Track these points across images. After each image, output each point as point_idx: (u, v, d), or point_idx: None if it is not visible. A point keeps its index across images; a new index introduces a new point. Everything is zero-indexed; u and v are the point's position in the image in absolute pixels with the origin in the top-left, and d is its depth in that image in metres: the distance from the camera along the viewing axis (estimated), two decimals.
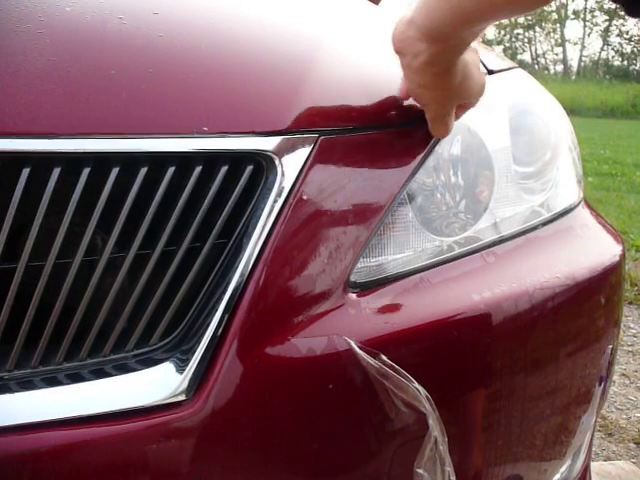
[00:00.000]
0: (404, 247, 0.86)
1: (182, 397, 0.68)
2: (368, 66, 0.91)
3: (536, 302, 0.91)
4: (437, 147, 0.90)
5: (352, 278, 0.78)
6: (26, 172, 0.65)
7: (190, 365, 0.69)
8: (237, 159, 0.73)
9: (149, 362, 0.70)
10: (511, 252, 0.96)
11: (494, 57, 1.19)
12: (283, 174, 0.74)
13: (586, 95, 18.10)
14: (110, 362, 0.70)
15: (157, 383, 0.68)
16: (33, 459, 0.63)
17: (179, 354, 0.70)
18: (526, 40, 37.98)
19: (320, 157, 0.77)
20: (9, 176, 0.64)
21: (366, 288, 0.80)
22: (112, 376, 0.68)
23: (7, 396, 0.65)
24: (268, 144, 0.74)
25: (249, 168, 0.73)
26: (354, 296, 0.78)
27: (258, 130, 0.74)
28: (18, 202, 0.64)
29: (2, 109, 0.65)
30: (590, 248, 1.07)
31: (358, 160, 0.81)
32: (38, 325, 0.67)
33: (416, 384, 0.74)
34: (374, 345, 0.75)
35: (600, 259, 1.05)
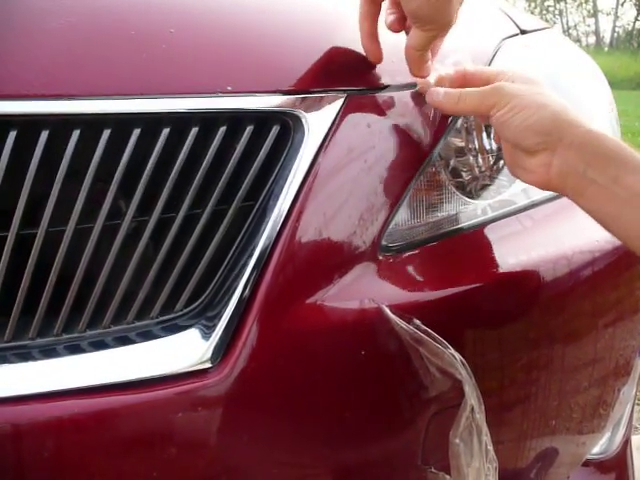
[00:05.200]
0: (437, 210, 0.83)
1: (208, 364, 0.66)
2: None
3: (575, 267, 0.88)
4: None
5: (384, 241, 0.76)
6: (45, 135, 0.63)
7: (216, 331, 0.67)
8: (263, 119, 0.71)
9: (174, 329, 0.68)
10: (549, 215, 0.93)
11: (527, 17, 1.16)
12: (310, 134, 0.72)
13: (619, 67, 17.80)
14: (134, 329, 0.68)
15: (182, 350, 0.67)
16: (56, 427, 0.62)
17: (205, 320, 0.68)
18: (557, 12, 37.50)
19: (349, 116, 0.75)
20: (28, 139, 0.63)
21: (398, 252, 0.78)
22: (136, 343, 0.67)
23: (30, 364, 0.64)
24: (295, 103, 0.72)
25: (275, 128, 0.71)
26: (386, 260, 0.76)
27: (284, 89, 0.72)
28: (37, 165, 0.62)
29: (20, 71, 0.64)
30: None
31: (388, 120, 0.79)
32: (60, 293, 0.66)
33: (452, 350, 0.72)
34: (408, 310, 0.73)
35: None
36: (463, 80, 0.80)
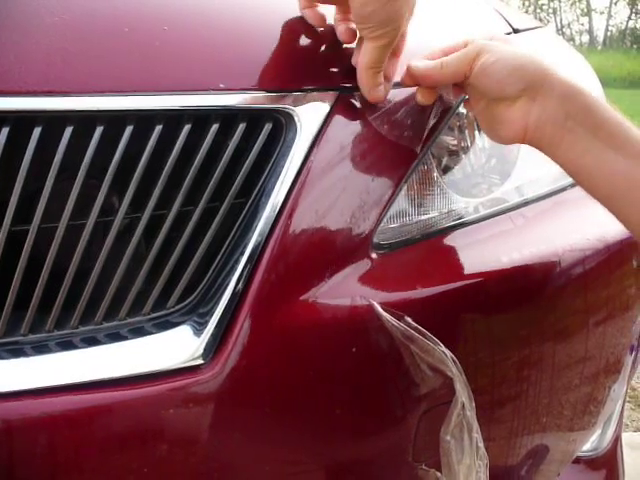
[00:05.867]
0: (429, 208, 0.83)
1: (199, 361, 0.66)
2: None
3: (566, 265, 0.88)
4: (462, 106, 0.87)
5: (376, 239, 0.76)
6: (37, 131, 0.63)
7: (208, 328, 0.67)
8: (255, 116, 0.71)
9: (166, 325, 0.69)
10: (540, 214, 0.93)
11: (520, 16, 1.17)
12: (302, 131, 0.72)
13: (613, 65, 17.79)
14: (126, 326, 0.68)
15: (174, 347, 0.67)
16: (48, 423, 0.62)
17: (196, 317, 0.69)
18: (551, 11, 37.49)
19: (340, 114, 0.75)
20: (21, 136, 0.63)
21: (390, 249, 0.78)
22: (128, 340, 0.67)
23: (22, 360, 0.64)
24: (287, 101, 0.72)
25: (267, 125, 0.71)
26: (378, 257, 0.76)
27: (276, 87, 0.72)
28: (30, 162, 0.62)
29: (13, 67, 0.63)
30: None
31: (381, 118, 0.78)
32: (52, 289, 0.66)
33: (443, 347, 0.72)
34: (399, 307, 0.73)
35: None
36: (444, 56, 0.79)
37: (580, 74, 1.17)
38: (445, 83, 0.79)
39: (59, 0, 0.68)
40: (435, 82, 0.78)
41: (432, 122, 0.82)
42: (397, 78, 0.80)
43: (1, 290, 0.64)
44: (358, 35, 0.77)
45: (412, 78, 0.78)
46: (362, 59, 0.75)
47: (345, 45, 0.79)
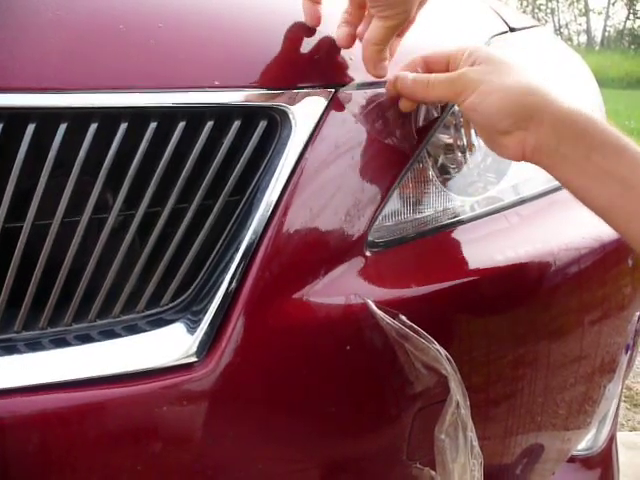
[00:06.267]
0: (424, 206, 0.83)
1: (193, 358, 0.66)
2: None
3: (562, 264, 0.88)
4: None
5: (370, 237, 0.76)
6: (31, 128, 0.63)
7: (201, 326, 0.67)
8: (250, 114, 0.71)
9: (160, 323, 0.68)
10: (535, 213, 0.93)
11: (517, 15, 1.17)
12: (297, 129, 0.72)
13: (610, 66, 17.84)
14: (120, 323, 0.68)
15: (168, 344, 0.67)
16: (41, 420, 0.62)
17: (190, 314, 0.68)
18: (549, 11, 37.54)
19: (336, 112, 0.75)
20: (15, 132, 0.62)
21: (385, 247, 0.78)
22: (122, 337, 0.67)
23: (15, 357, 0.64)
24: (282, 98, 0.71)
25: (262, 123, 0.71)
26: (373, 255, 0.76)
27: (271, 84, 0.72)
28: (24, 159, 0.62)
29: (7, 64, 0.63)
30: None
31: (376, 116, 0.79)
32: (46, 286, 0.65)
33: (437, 345, 0.72)
34: (393, 305, 0.72)
35: None
36: (426, 68, 0.79)
37: (577, 74, 1.17)
38: (428, 103, 0.81)
39: None
40: (418, 100, 0.79)
41: (427, 120, 0.82)
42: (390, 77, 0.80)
43: None
44: (367, 11, 0.77)
45: (396, 90, 0.79)
46: (368, 35, 0.75)
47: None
